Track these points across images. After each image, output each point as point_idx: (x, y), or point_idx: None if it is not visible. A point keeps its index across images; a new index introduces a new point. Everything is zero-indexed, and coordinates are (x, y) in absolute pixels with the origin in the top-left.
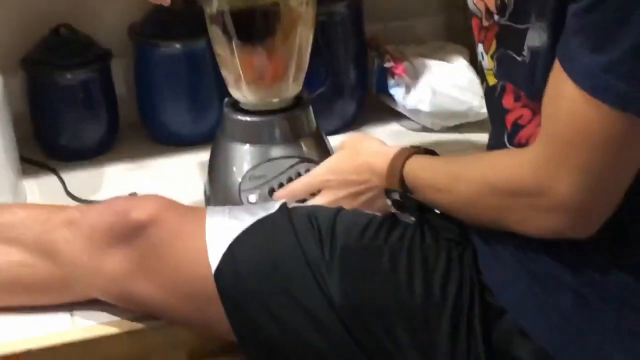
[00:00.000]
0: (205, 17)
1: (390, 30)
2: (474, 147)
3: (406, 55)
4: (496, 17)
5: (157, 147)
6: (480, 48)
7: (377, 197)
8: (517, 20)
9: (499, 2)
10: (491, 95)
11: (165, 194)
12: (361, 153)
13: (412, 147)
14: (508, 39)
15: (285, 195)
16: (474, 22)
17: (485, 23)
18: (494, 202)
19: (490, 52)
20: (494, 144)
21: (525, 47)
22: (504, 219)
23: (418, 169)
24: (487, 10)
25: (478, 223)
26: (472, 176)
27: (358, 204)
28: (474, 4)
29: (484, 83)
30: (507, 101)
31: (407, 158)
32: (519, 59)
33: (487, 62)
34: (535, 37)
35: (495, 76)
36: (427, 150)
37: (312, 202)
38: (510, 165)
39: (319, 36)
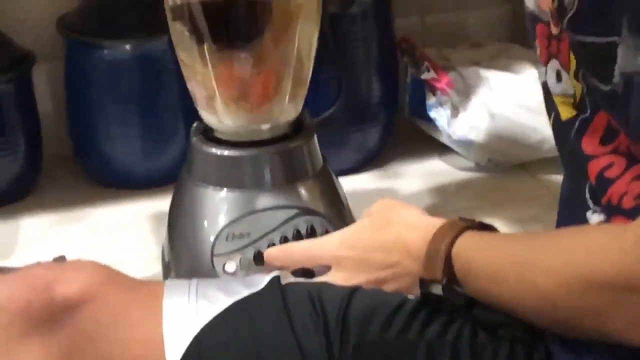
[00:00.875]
0: (164, 9)
1: (430, 26)
2: (550, 194)
3: (453, 62)
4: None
5: (96, 191)
6: (553, 65)
7: (408, 287)
8: (592, 30)
9: (555, 2)
10: (564, 133)
11: (105, 259)
12: (393, 224)
13: (462, 220)
14: (585, 57)
15: (278, 257)
16: (539, 30)
17: (555, 30)
18: (588, 301)
19: (572, 68)
20: (570, 197)
21: (616, 73)
22: (603, 324)
23: (472, 251)
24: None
25: (559, 328)
26: (554, 264)
27: None
28: (536, 1)
29: (552, 114)
30: (590, 143)
31: (456, 236)
32: (605, 88)
33: (563, 85)
34: (630, 58)
35: (576, 106)
36: (482, 225)
37: (317, 280)
38: (609, 249)
39: (328, 36)
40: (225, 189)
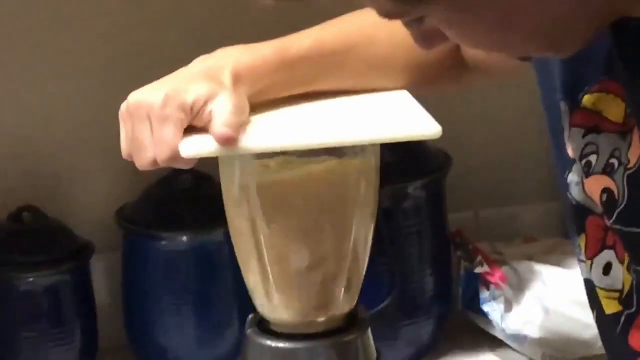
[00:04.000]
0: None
1: (483, 220)
2: None
3: (506, 257)
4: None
5: None
6: (603, 257)
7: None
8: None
9: (604, 196)
10: (609, 328)
11: None
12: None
13: None
14: (635, 249)
15: None
16: (591, 223)
17: (609, 222)
18: None
19: (626, 262)
20: None
21: None
22: None
23: None
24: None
25: None
26: None
27: None
28: (586, 193)
29: (595, 310)
30: (637, 339)
31: None
32: None
33: (609, 280)
34: None
35: (621, 301)
36: None
37: None
38: None
39: (381, 229)
40: None
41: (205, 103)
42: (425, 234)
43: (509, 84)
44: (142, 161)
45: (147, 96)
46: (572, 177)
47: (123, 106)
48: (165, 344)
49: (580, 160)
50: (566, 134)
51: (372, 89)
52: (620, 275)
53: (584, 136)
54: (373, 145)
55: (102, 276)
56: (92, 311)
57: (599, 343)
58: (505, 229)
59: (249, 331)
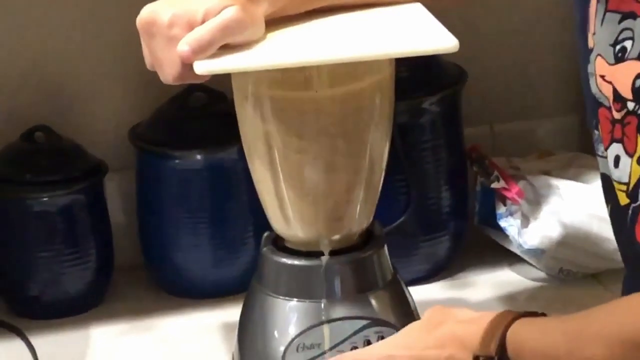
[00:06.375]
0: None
1: (499, 135)
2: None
3: (523, 171)
4: (631, 105)
5: (166, 300)
6: (613, 149)
7: None
8: None
9: (638, 82)
10: (620, 219)
11: None
12: (445, 322)
13: (518, 312)
14: None
15: None
16: (602, 114)
17: (618, 115)
18: None
19: (637, 155)
20: (631, 289)
21: None
22: None
23: (526, 331)
24: (617, 95)
25: None
26: (604, 331)
27: None
28: (598, 87)
29: (610, 204)
30: None
31: (511, 321)
32: None
33: (619, 172)
34: None
35: (629, 195)
36: (536, 314)
37: None
38: None
39: (397, 144)
40: (295, 300)
41: None
42: (441, 149)
43: None
44: (163, 77)
45: (156, 14)
46: (590, 68)
47: (137, 20)
48: (180, 262)
49: (614, 45)
50: (597, 22)
51: (387, 2)
52: (627, 169)
53: (620, 22)
54: (389, 60)
55: (117, 195)
56: (106, 230)
57: (617, 256)
58: (521, 143)
59: (264, 249)
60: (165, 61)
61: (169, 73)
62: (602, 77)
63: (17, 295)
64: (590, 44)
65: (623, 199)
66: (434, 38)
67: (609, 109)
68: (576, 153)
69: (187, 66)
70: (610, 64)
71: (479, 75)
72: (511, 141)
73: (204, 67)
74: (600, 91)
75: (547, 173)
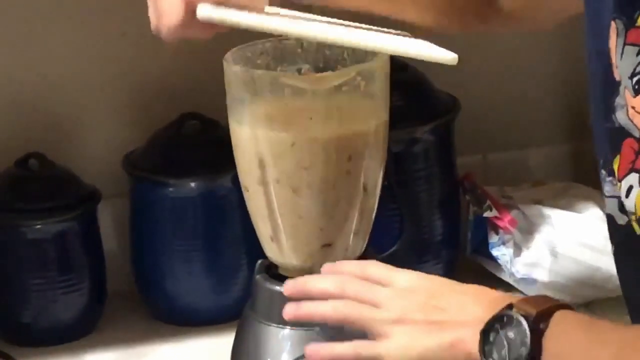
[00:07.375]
0: (230, 144)
1: (492, 164)
2: None
3: (516, 201)
4: None
5: (159, 328)
6: (630, 180)
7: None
8: None
9: None
10: (633, 251)
11: None
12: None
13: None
14: None
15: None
16: (627, 145)
17: None
18: None
19: None
20: None
21: None
22: None
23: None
24: None
25: None
26: None
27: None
28: (630, 118)
29: (614, 243)
30: None
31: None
32: None
33: (629, 202)
34: None
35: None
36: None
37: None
38: None
39: (390, 173)
40: (288, 328)
41: None
42: (434, 178)
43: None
44: (164, 30)
45: None
46: (619, 100)
47: None
48: (173, 290)
49: (632, 78)
50: (617, 55)
51: (401, 16)
52: (634, 199)
53: (638, 54)
54: (384, 82)
55: (110, 223)
56: (100, 258)
57: (608, 286)
58: (514, 172)
59: (258, 277)
60: (168, 8)
61: (170, 22)
62: (633, 108)
63: (10, 322)
64: (617, 76)
65: (638, 229)
66: (435, 49)
67: (638, 139)
68: (569, 182)
69: (188, 14)
70: (632, 97)
71: (472, 104)
72: (504, 170)
73: (206, 10)
74: (632, 122)
75: (540, 202)
